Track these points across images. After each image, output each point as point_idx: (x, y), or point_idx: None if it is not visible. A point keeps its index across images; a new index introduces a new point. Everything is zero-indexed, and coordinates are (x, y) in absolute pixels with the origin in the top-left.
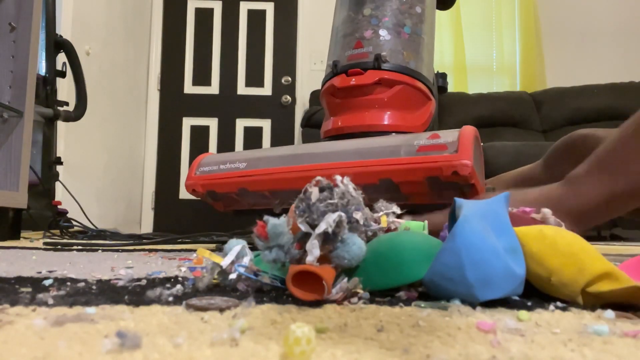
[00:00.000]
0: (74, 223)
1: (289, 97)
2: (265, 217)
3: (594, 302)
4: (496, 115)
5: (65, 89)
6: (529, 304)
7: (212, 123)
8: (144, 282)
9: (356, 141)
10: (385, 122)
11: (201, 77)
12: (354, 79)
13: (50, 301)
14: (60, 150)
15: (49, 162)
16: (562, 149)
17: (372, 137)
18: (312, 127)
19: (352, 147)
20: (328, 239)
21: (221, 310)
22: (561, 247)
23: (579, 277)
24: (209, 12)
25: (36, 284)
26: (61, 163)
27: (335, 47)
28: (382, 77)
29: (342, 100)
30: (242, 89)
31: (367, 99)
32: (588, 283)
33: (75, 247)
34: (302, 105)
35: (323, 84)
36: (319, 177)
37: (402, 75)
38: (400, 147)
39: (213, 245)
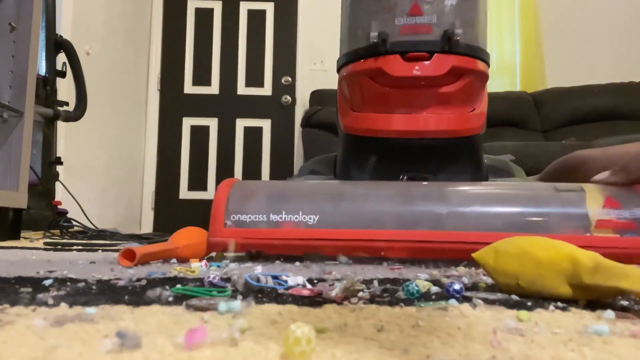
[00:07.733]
0: (74, 223)
1: (289, 97)
2: None
3: (585, 295)
4: (496, 115)
5: (65, 89)
6: (529, 304)
7: (212, 123)
8: (144, 282)
9: (509, 195)
10: (448, 128)
11: (201, 77)
12: (417, 68)
13: (50, 301)
14: (60, 150)
15: (49, 162)
16: (561, 170)
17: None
18: (313, 127)
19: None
20: None
21: None
22: (512, 251)
23: (541, 270)
24: (209, 12)
25: (36, 284)
26: (61, 163)
27: (372, 6)
28: (454, 65)
29: (392, 91)
30: (242, 89)
31: (429, 92)
32: (557, 271)
33: (75, 247)
34: (302, 105)
35: (350, 60)
36: None
37: (474, 60)
38: (576, 217)
39: None
